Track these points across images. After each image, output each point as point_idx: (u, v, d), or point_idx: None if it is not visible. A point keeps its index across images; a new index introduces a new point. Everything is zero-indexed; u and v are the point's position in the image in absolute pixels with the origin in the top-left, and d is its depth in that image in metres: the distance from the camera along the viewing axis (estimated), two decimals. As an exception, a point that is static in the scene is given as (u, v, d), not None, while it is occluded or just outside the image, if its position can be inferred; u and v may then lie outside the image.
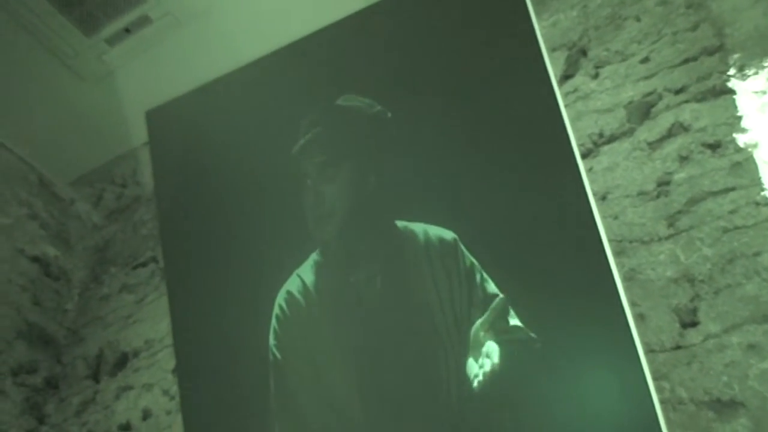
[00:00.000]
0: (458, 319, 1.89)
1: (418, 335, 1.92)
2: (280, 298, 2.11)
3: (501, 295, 1.86)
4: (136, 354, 3.00)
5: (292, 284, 2.11)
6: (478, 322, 1.86)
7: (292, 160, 2.18)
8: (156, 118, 2.57)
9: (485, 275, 1.90)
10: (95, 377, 3.05)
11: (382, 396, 1.93)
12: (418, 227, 2.01)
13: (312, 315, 2.07)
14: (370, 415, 1.93)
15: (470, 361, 1.85)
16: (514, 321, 1.84)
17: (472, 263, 1.93)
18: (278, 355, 2.07)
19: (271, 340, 2.09)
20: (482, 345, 1.84)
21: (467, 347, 1.86)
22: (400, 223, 2.04)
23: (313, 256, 2.11)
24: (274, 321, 2.10)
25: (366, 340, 1.99)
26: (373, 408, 1.94)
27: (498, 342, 1.83)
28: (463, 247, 1.95)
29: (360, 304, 2.02)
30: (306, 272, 2.11)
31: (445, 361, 1.87)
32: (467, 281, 1.92)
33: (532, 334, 1.81)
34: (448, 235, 1.98)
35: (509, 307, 1.85)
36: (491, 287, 1.89)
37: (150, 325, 3.02)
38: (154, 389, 2.85)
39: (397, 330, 1.96)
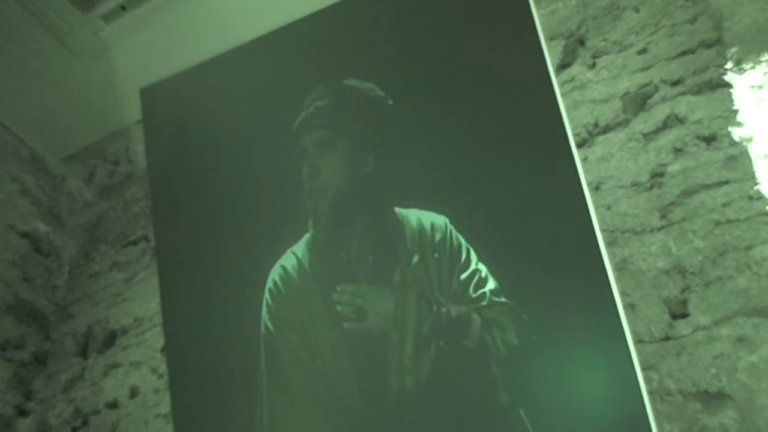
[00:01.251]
0: (448, 295, 1.90)
1: (410, 313, 1.93)
2: (274, 274, 2.12)
3: (482, 269, 1.89)
4: (124, 332, 2.99)
5: (287, 260, 2.12)
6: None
7: (291, 137, 2.18)
8: (150, 95, 2.56)
9: (471, 252, 1.92)
10: (83, 354, 3.05)
11: (374, 372, 1.94)
12: (412, 213, 2.02)
13: (305, 291, 2.08)
14: (363, 391, 1.94)
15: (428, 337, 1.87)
16: (490, 285, 1.87)
17: (459, 243, 1.94)
18: (270, 328, 2.08)
19: (264, 314, 2.09)
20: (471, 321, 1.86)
21: (453, 319, 1.88)
22: (395, 209, 2.04)
23: (307, 235, 2.12)
24: (267, 295, 2.11)
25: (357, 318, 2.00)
26: (365, 384, 1.94)
27: (481, 315, 1.86)
28: (453, 229, 1.96)
29: (352, 280, 2.02)
30: (300, 249, 2.12)
31: (437, 336, 1.88)
32: (451, 262, 1.93)
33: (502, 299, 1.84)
34: (440, 219, 1.99)
35: (489, 276, 1.87)
36: (474, 264, 1.90)
37: (139, 303, 3.01)
38: (142, 367, 2.85)
39: (386, 307, 1.97)
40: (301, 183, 2.14)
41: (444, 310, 1.89)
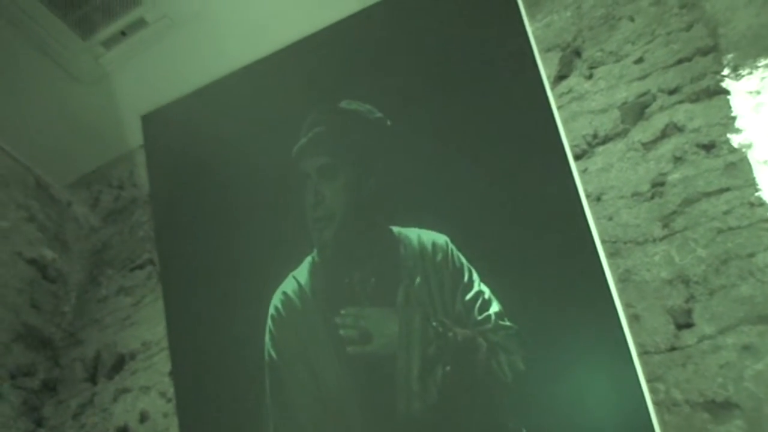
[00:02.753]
0: (452, 316, 1.90)
1: (415, 335, 1.92)
2: (276, 299, 2.12)
3: (485, 291, 1.88)
4: (133, 356, 3.00)
5: (288, 285, 2.12)
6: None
7: (291, 162, 2.19)
8: (151, 122, 2.57)
9: (473, 273, 1.91)
10: (93, 380, 3.06)
11: (379, 397, 1.93)
12: (412, 232, 2.02)
13: (307, 316, 2.08)
14: (367, 417, 1.94)
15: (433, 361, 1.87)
16: (495, 308, 1.86)
17: (461, 263, 1.94)
18: (274, 356, 2.08)
19: (267, 341, 2.09)
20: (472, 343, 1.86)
21: (460, 344, 1.87)
22: (395, 229, 2.04)
23: (308, 259, 2.12)
24: (269, 322, 2.11)
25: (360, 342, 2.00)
26: (369, 409, 1.94)
27: (487, 339, 1.85)
28: (454, 248, 1.96)
29: (354, 305, 2.02)
30: (301, 274, 2.12)
31: (444, 361, 1.88)
32: (455, 282, 1.93)
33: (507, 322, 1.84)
34: (441, 239, 1.98)
35: (492, 298, 1.87)
36: (477, 285, 1.90)
37: (147, 327, 3.02)
38: (151, 392, 2.85)
39: (390, 328, 1.96)
40: (304, 209, 2.14)
41: (450, 334, 1.89)
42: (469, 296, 1.91)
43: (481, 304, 1.89)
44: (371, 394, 1.95)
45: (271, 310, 2.11)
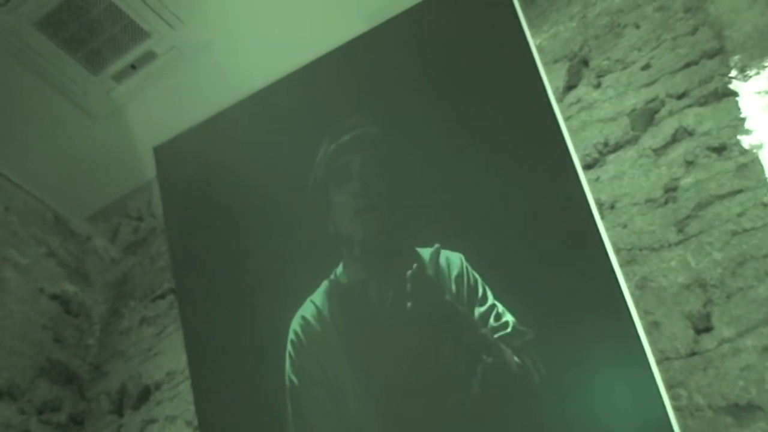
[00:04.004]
0: (470, 336, 1.90)
1: (433, 357, 1.92)
2: (295, 324, 2.12)
3: (497, 304, 1.88)
4: (158, 386, 3.01)
5: (306, 310, 2.12)
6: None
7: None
8: (163, 153, 2.59)
9: (487, 290, 1.91)
10: (119, 412, 3.07)
11: (399, 420, 1.93)
12: (425, 251, 2.02)
13: (327, 339, 2.07)
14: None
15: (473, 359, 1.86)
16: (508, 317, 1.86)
17: (476, 279, 1.94)
18: (295, 381, 2.07)
19: (287, 367, 2.09)
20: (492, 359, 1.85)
21: (470, 347, 1.87)
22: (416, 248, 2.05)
23: (325, 283, 2.12)
24: (289, 347, 2.11)
25: (381, 363, 1.99)
26: (386, 424, 1.94)
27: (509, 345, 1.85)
28: (469, 266, 1.96)
29: (374, 324, 2.02)
30: (319, 298, 2.11)
31: (465, 379, 1.87)
32: (470, 296, 1.93)
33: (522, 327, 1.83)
34: (455, 256, 1.98)
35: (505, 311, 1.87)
36: (491, 299, 1.90)
37: (171, 356, 3.03)
38: (177, 421, 2.86)
39: (413, 352, 1.96)
40: (341, 205, 2.14)
41: (480, 337, 1.88)
42: (483, 308, 1.91)
43: (495, 315, 1.89)
44: (394, 420, 1.94)
45: (291, 335, 2.11)
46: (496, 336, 1.87)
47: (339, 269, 2.11)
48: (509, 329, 1.87)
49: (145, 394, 3.03)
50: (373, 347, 2.02)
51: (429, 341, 1.94)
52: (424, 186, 2.11)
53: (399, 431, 1.93)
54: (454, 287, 1.96)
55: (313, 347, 2.08)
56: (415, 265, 2.01)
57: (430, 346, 1.94)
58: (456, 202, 2.05)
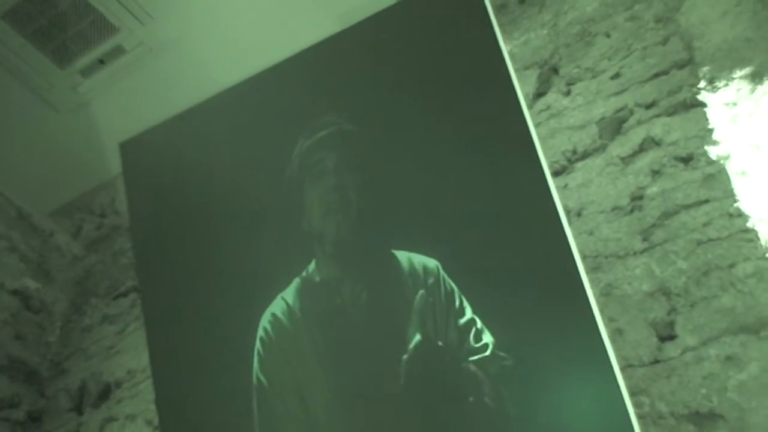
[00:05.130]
0: (441, 344, 1.88)
1: (402, 360, 1.91)
2: (265, 321, 2.09)
3: (477, 320, 1.87)
4: (119, 385, 2.98)
5: (276, 307, 2.10)
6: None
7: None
8: (130, 149, 2.57)
9: (464, 300, 1.90)
10: (79, 409, 3.04)
11: (367, 425, 1.92)
12: (403, 255, 2.01)
13: (297, 337, 2.05)
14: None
15: (451, 382, 1.85)
16: (486, 338, 1.84)
17: (452, 288, 1.92)
18: (263, 380, 2.05)
19: (255, 365, 2.07)
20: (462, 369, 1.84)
21: (448, 370, 1.86)
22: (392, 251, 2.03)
23: (297, 280, 2.10)
24: (258, 344, 2.08)
25: (349, 359, 1.98)
26: (354, 425, 1.92)
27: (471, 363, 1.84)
28: (444, 274, 1.95)
29: (345, 323, 2.00)
30: (290, 295, 2.09)
31: (430, 384, 1.86)
32: (447, 307, 1.91)
33: (502, 353, 1.81)
34: (431, 263, 1.97)
35: (484, 328, 1.85)
36: (469, 313, 1.88)
37: (132, 355, 3.01)
38: (137, 420, 2.84)
39: (383, 354, 1.95)
40: (313, 201, 2.12)
41: (464, 364, 1.86)
42: (462, 322, 1.89)
43: (475, 333, 1.87)
44: (362, 422, 1.93)
45: (260, 332, 2.08)
46: (473, 359, 1.85)
47: (311, 266, 2.09)
48: (488, 352, 1.85)
49: (105, 393, 3.00)
50: (344, 348, 2.00)
51: (404, 355, 1.92)
52: (399, 187, 2.10)
53: (366, 428, 1.92)
54: (430, 297, 1.95)
55: (282, 345, 2.06)
56: (394, 273, 2.00)
57: (404, 360, 1.92)
58: (430, 206, 2.04)
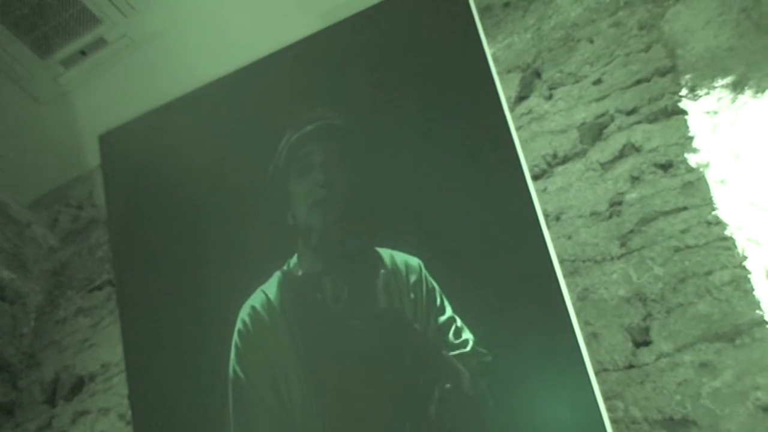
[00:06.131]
0: (421, 341, 1.88)
1: (382, 356, 1.90)
2: (243, 314, 2.07)
3: (457, 318, 1.86)
4: (92, 378, 2.97)
5: (256, 299, 2.08)
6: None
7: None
8: (109, 141, 2.55)
9: (445, 300, 1.90)
10: (51, 402, 3.02)
11: (344, 421, 1.91)
12: (385, 252, 2.00)
13: (275, 331, 2.04)
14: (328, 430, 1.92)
15: (431, 380, 1.84)
16: (466, 335, 1.84)
17: (433, 287, 1.92)
18: (239, 373, 2.04)
19: (232, 357, 2.06)
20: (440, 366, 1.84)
21: (428, 367, 1.85)
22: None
23: (278, 273, 2.09)
24: (236, 336, 2.06)
25: (328, 356, 1.97)
26: (330, 423, 1.92)
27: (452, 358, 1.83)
28: (426, 273, 1.94)
29: (326, 318, 1.99)
30: (271, 288, 2.08)
31: (409, 381, 1.86)
32: (428, 305, 1.91)
33: (482, 349, 1.81)
34: (414, 261, 1.96)
35: (464, 326, 1.85)
36: (449, 311, 1.88)
37: (106, 348, 2.99)
38: (110, 414, 2.82)
39: (359, 347, 1.94)
40: (299, 196, 2.11)
41: (444, 352, 1.86)
42: (442, 319, 1.89)
43: (455, 330, 1.87)
44: (338, 417, 1.92)
45: (239, 325, 2.07)
46: (454, 354, 1.85)
47: (293, 260, 2.08)
48: (468, 348, 1.85)
49: (78, 386, 2.99)
50: (324, 343, 1.99)
51: (384, 348, 1.92)
52: (385, 184, 2.09)
53: (343, 428, 1.91)
54: (412, 294, 1.95)
55: (260, 338, 2.04)
56: (377, 269, 2.00)
57: (384, 352, 1.92)
58: (415, 205, 2.03)
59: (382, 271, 1.99)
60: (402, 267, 1.98)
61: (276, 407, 1.97)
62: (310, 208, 2.08)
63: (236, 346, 2.06)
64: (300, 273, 2.06)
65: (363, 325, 1.96)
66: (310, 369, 1.97)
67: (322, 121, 2.17)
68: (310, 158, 2.12)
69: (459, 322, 1.87)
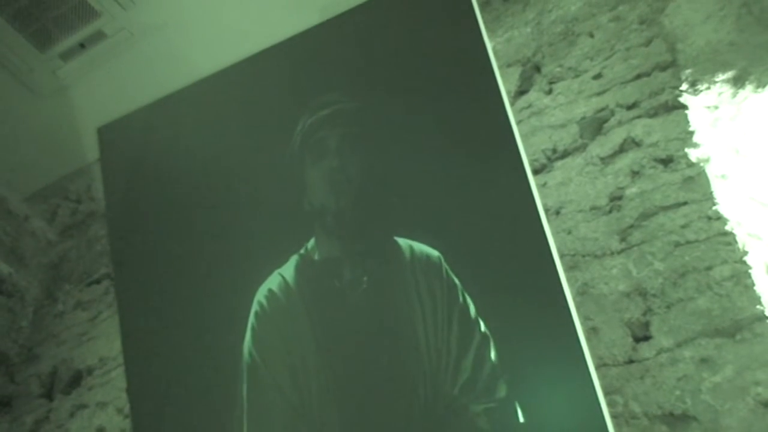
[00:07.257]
0: (438, 335, 1.87)
1: (397, 346, 1.89)
2: (260, 296, 2.05)
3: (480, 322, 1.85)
4: (90, 372, 2.96)
5: (273, 282, 2.06)
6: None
7: (297, 135, 2.15)
8: (108, 134, 2.54)
9: (467, 297, 1.88)
10: (49, 395, 3.02)
11: (356, 402, 1.90)
12: (405, 243, 1.99)
13: (293, 314, 2.01)
14: (344, 420, 1.91)
15: (445, 373, 1.83)
16: (492, 356, 1.83)
17: (454, 283, 1.90)
18: (256, 357, 2.01)
19: (248, 340, 2.03)
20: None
21: (443, 360, 1.84)
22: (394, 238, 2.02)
23: (295, 257, 2.07)
24: (252, 319, 2.04)
25: (346, 344, 1.96)
26: (347, 413, 1.91)
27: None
28: (446, 266, 1.93)
29: (344, 306, 1.98)
30: (287, 271, 2.06)
31: (422, 373, 1.85)
32: (449, 300, 1.90)
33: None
34: (434, 253, 1.95)
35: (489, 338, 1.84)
36: (473, 311, 1.86)
37: (104, 342, 2.99)
38: (108, 408, 2.82)
39: (378, 338, 1.93)
40: (317, 180, 2.10)
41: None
42: (456, 312, 1.87)
43: (478, 348, 1.84)
44: (352, 401, 1.91)
45: (255, 307, 2.04)
46: (476, 406, 1.82)
47: (310, 244, 2.06)
48: (495, 404, 1.82)
49: (76, 379, 2.98)
50: (340, 329, 1.98)
51: (397, 347, 1.91)
52: (400, 172, 2.08)
53: (359, 419, 1.90)
54: (430, 288, 1.93)
55: (278, 320, 2.02)
56: (397, 260, 1.98)
57: (396, 351, 1.90)
58: (430, 195, 2.02)
59: (402, 262, 1.98)
60: (422, 258, 1.96)
61: (293, 395, 1.95)
62: (326, 192, 2.07)
63: (252, 329, 2.04)
64: (317, 257, 2.05)
65: (379, 319, 1.95)
66: (328, 358, 1.96)
67: (336, 105, 2.16)
68: (324, 143, 2.11)
69: (482, 327, 1.84)
